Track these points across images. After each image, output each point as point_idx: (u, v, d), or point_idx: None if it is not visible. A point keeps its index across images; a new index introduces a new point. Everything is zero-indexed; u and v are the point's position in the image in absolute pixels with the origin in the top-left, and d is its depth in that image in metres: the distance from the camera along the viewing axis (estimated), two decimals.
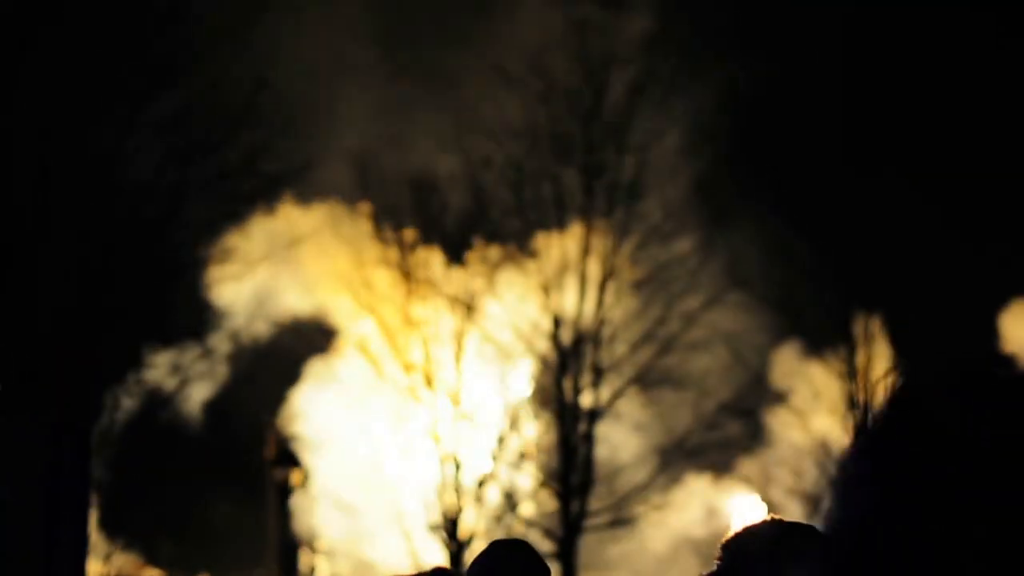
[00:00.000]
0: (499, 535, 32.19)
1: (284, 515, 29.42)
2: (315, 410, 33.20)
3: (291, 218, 32.30)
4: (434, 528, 32.14)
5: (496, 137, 32.82)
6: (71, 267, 25.53)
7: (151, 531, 33.29)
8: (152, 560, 33.42)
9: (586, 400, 32.36)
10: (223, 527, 34.12)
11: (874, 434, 1.75)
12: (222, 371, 31.96)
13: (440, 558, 32.11)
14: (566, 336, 32.54)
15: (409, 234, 33.21)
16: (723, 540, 3.58)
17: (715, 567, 3.55)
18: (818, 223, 32.80)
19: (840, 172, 32.31)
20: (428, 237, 33.22)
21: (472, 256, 33.10)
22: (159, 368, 29.21)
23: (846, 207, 32.25)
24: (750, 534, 3.60)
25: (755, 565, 3.51)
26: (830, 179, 32.37)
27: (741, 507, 34.32)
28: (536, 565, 4.50)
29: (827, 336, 33.90)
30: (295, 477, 29.46)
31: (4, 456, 20.39)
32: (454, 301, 32.72)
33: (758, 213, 32.95)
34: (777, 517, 3.62)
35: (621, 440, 33.33)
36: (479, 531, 32.15)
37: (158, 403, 29.70)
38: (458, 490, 32.02)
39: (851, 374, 33.42)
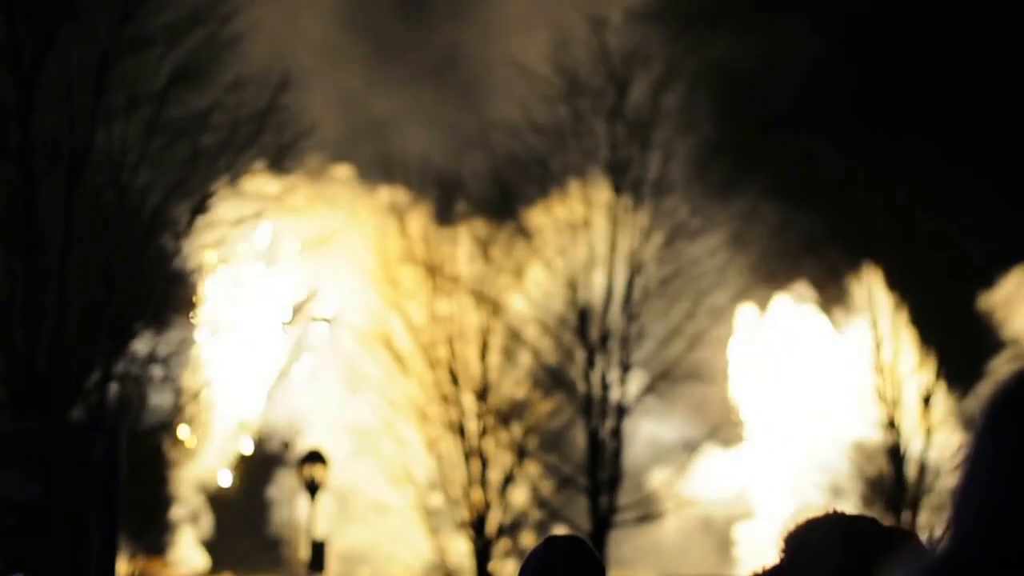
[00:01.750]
0: (526, 532, 32.16)
1: (311, 512, 29.41)
2: (342, 407, 33.21)
3: (315, 214, 32.26)
4: (460, 525, 32.13)
5: (521, 134, 32.87)
6: (97, 269, 25.57)
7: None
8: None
9: (614, 395, 32.33)
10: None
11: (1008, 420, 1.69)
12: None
13: (466, 555, 32.12)
14: (594, 332, 32.50)
15: (434, 230, 33.23)
16: (786, 533, 3.52)
17: (779, 560, 3.49)
18: (843, 209, 32.86)
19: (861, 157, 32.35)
20: (453, 232, 33.23)
21: (498, 251, 33.08)
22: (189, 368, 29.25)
23: (867, 194, 32.33)
24: (813, 527, 3.54)
25: (819, 558, 3.45)
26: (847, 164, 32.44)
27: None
28: (592, 562, 4.46)
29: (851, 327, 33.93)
30: (322, 474, 29.44)
31: (37, 455, 20.41)
32: (480, 297, 32.72)
33: (785, 203, 33.06)
34: (839, 510, 3.56)
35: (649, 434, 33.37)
36: (505, 528, 32.15)
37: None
38: (484, 486, 32.01)
39: (878, 368, 33.41)
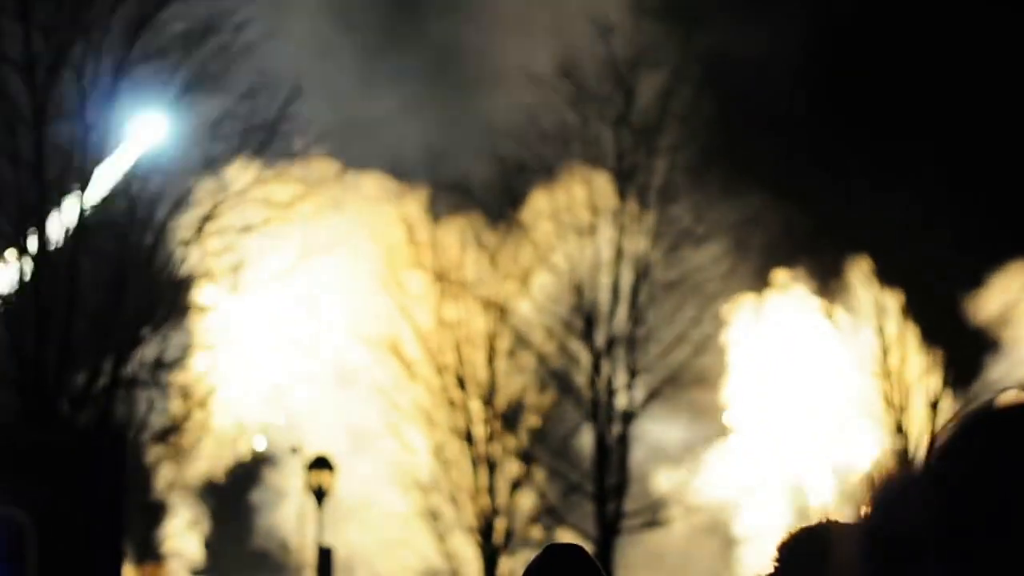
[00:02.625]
0: (534, 538, 32.15)
1: (318, 518, 29.44)
2: (347, 411, 33.22)
3: (326, 220, 32.22)
4: (467, 530, 32.15)
5: (527, 141, 32.92)
6: (107, 276, 25.68)
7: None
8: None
9: (620, 401, 32.35)
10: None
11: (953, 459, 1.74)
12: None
13: (475, 562, 32.14)
14: (600, 337, 32.53)
15: (442, 235, 33.25)
16: (779, 542, 3.59)
17: (772, 569, 3.55)
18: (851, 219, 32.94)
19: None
20: (459, 237, 33.23)
21: (504, 256, 33.10)
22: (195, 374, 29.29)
23: (875, 207, 32.37)
24: (803, 536, 3.60)
25: (807, 567, 3.51)
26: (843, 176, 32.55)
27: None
28: (591, 569, 4.52)
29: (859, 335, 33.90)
30: (329, 480, 29.47)
31: (41, 463, 20.48)
32: (486, 302, 32.74)
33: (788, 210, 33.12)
34: (833, 518, 3.63)
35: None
36: (512, 533, 32.15)
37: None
38: (491, 492, 32.02)
39: (885, 374, 33.40)
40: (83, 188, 25.50)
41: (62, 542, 19.40)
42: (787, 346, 34.47)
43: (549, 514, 32.56)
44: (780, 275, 34.30)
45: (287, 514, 33.65)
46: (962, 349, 33.09)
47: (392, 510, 32.82)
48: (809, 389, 34.16)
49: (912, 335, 33.49)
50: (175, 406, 28.88)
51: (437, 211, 33.57)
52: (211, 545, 34.14)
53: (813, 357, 34.37)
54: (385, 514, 32.89)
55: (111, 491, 20.39)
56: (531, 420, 32.92)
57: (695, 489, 33.60)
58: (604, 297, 32.72)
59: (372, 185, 34.01)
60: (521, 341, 32.93)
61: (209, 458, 32.52)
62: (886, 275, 33.33)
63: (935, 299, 32.62)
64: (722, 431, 34.29)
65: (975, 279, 33.54)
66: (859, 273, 33.70)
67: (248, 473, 34.18)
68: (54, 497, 19.55)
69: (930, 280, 32.16)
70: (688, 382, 32.98)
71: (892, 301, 33.51)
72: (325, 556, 29.18)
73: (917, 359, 33.47)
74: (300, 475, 31.05)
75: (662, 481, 33.43)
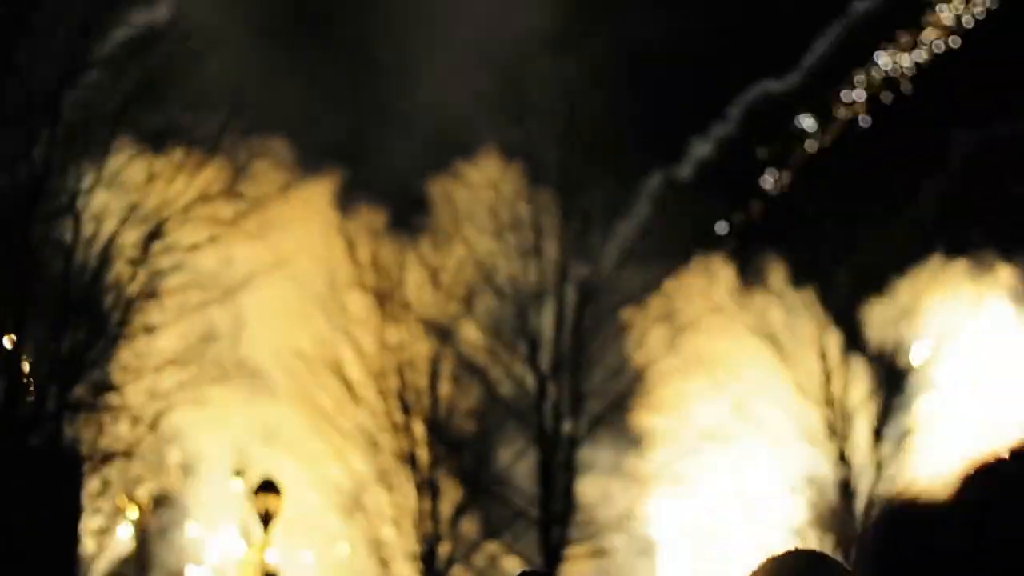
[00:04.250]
0: (477, 564, 32.01)
1: (264, 542, 29.20)
2: (293, 436, 33.02)
3: (269, 241, 31.98)
4: (411, 557, 31.93)
5: (472, 158, 32.83)
6: (57, 295, 25.48)
7: None
8: None
9: (565, 427, 32.20)
10: None
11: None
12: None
13: None
14: (544, 361, 32.39)
15: (385, 256, 33.02)
16: (749, 574, 3.53)
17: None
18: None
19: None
20: (404, 259, 33.03)
21: (448, 278, 32.92)
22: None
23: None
24: (776, 566, 3.55)
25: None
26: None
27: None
28: None
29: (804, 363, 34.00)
30: (275, 504, 29.21)
31: None
32: (430, 325, 32.55)
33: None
34: (802, 548, 3.58)
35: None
36: (456, 559, 31.97)
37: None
38: (434, 517, 31.80)
39: (828, 401, 33.48)
40: (30, 202, 25.20)
41: (16, 563, 19.19)
42: (731, 368, 34.46)
43: (493, 539, 32.38)
44: (727, 299, 34.33)
45: (228, 537, 33.44)
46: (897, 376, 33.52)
47: (334, 534, 32.62)
48: (757, 417, 34.20)
49: (854, 360, 33.63)
50: (122, 429, 28.55)
51: (379, 230, 33.34)
52: (148, 567, 33.86)
53: (756, 379, 34.41)
54: (327, 538, 32.69)
55: (66, 513, 20.17)
56: (475, 445, 32.75)
57: (641, 517, 33.50)
58: (548, 319, 32.58)
59: (314, 200, 33.75)
60: (466, 364, 32.75)
61: (151, 479, 32.24)
62: (831, 305, 33.53)
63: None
64: (669, 458, 34.16)
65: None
66: (808, 304, 33.79)
67: (188, 495, 33.94)
68: (8, 519, 19.32)
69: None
70: (634, 407, 32.93)
71: (836, 328, 33.64)
72: None
73: (860, 386, 33.59)
74: (243, 498, 30.81)
75: (607, 508, 33.27)
